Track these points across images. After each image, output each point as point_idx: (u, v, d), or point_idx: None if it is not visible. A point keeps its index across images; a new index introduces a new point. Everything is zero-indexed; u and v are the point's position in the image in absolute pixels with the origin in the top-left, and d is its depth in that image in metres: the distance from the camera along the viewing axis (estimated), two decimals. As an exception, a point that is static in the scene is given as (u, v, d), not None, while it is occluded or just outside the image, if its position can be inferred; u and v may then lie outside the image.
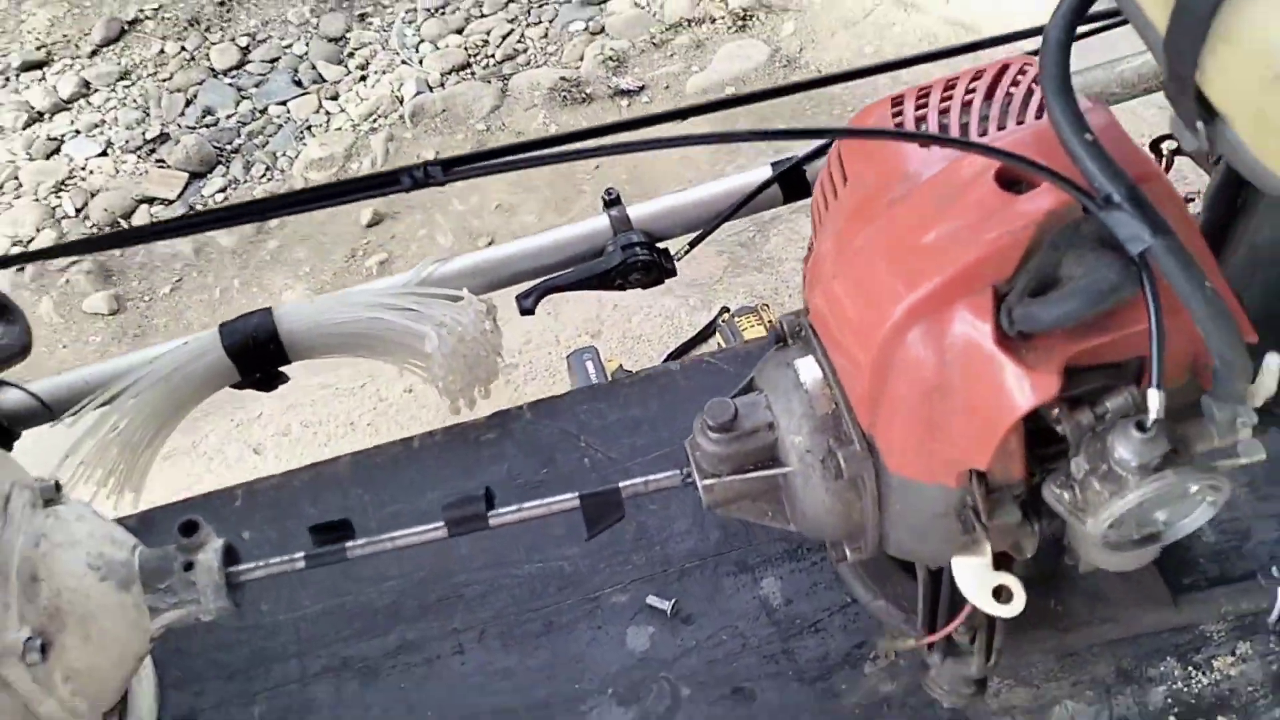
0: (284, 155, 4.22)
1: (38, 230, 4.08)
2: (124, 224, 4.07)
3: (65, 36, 4.65)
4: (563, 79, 4.24)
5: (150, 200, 4.14)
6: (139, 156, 4.26)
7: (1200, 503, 0.90)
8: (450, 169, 0.93)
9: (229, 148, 4.24)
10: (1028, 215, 0.88)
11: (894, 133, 0.99)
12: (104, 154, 4.25)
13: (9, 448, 1.41)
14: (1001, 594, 0.97)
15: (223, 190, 4.15)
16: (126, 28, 4.65)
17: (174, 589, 1.06)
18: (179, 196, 4.20)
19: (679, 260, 1.48)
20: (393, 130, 4.27)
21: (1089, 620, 1.20)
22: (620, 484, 1.10)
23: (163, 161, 4.24)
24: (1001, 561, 0.99)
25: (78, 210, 4.11)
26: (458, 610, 1.30)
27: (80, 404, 1.40)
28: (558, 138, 0.97)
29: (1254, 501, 1.28)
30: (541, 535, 1.34)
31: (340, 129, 4.24)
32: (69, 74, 4.52)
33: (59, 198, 4.16)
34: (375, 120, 4.26)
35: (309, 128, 4.28)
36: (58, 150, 4.25)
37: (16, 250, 3.84)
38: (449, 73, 4.36)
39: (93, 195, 4.16)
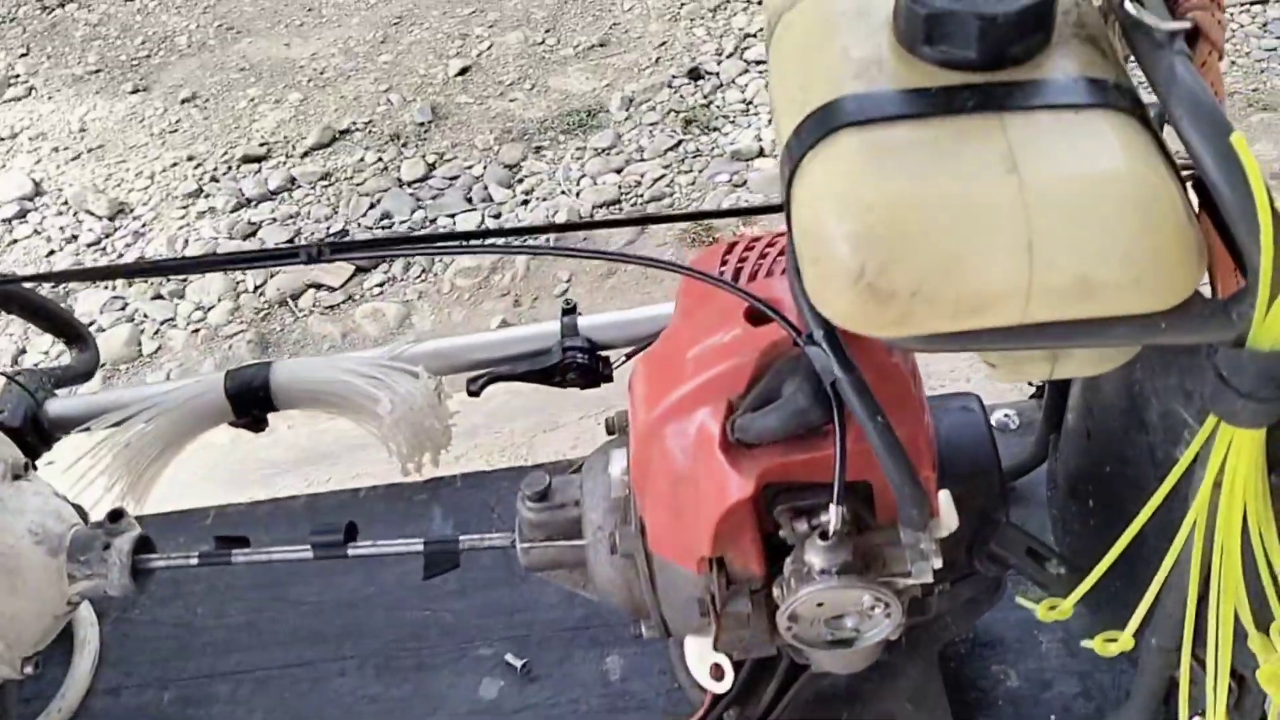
0: (439, 261, 4.61)
1: (219, 299, 4.56)
2: (292, 303, 4.53)
3: (285, 138, 5.24)
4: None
5: (318, 286, 4.59)
6: (319, 249, 4.74)
7: (880, 617, 1.03)
8: (337, 250, 1.17)
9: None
10: (757, 344, 1.05)
11: (681, 268, 1.18)
12: (290, 242, 4.74)
13: (49, 447, 1.69)
14: (716, 672, 1.11)
15: (380, 285, 4.58)
16: (338, 136, 5.20)
17: (90, 563, 1.30)
18: (341, 286, 4.63)
19: (617, 368, 1.68)
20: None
21: (872, 735, 1.31)
22: (460, 537, 1.30)
23: (337, 254, 4.69)
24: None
25: (256, 287, 4.59)
26: (350, 639, 1.50)
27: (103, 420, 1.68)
28: (431, 236, 1.20)
29: (1063, 656, 1.36)
30: (438, 588, 1.53)
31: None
32: (280, 169, 5.08)
33: (245, 275, 4.65)
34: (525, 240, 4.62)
35: (468, 241, 4.68)
36: (254, 233, 4.77)
37: (200, 312, 4.32)
38: (600, 206, 4.72)
39: (271, 276, 4.64)
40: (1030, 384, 1.51)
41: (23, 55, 5.07)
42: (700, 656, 1.12)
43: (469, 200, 4.78)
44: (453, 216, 4.79)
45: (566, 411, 3.33)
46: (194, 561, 1.31)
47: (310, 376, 1.67)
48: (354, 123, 5.31)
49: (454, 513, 1.62)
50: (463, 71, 5.72)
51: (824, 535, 1.01)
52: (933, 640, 1.36)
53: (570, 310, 1.70)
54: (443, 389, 1.65)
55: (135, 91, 4.87)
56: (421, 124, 5.24)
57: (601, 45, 5.79)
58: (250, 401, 1.67)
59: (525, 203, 4.86)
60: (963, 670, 1.37)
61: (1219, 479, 0.91)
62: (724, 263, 1.20)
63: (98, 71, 5.09)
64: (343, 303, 4.57)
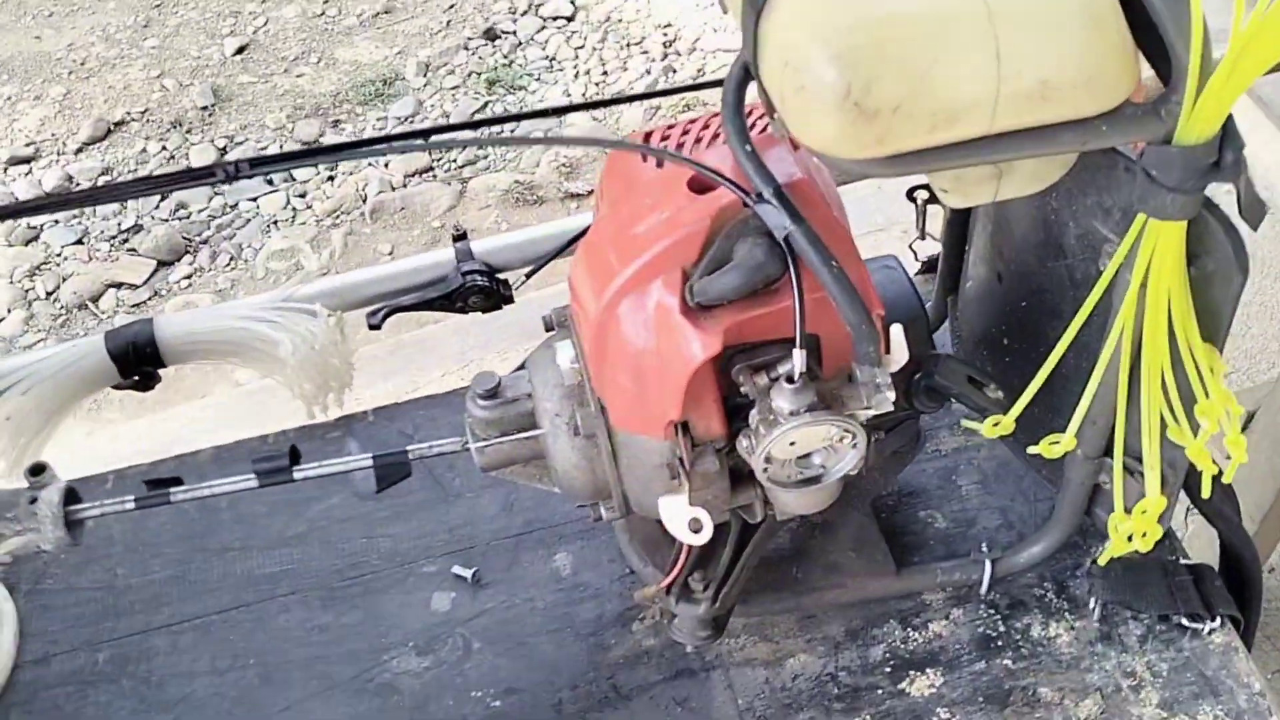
0: (249, 247, 4.47)
1: (9, 310, 4.29)
2: (92, 306, 4.30)
3: (53, 135, 4.94)
4: (517, 182, 4.53)
5: (118, 285, 4.38)
6: (112, 245, 4.50)
7: (848, 448, 1.09)
8: (255, 165, 1.14)
9: (198, 239, 4.48)
10: (706, 210, 1.09)
11: (631, 145, 1.21)
12: (79, 242, 4.49)
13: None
14: (695, 525, 1.16)
15: (188, 277, 4.40)
16: (113, 128, 4.94)
17: (19, 519, 1.24)
18: (145, 282, 4.43)
19: (517, 289, 1.69)
20: (353, 225, 4.52)
21: (823, 586, 1.38)
22: (408, 448, 1.30)
23: (134, 250, 4.47)
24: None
25: (49, 293, 4.34)
26: (286, 577, 1.48)
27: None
28: (350, 144, 1.19)
29: (982, 495, 1.47)
30: (370, 516, 1.53)
31: (304, 224, 4.50)
32: (53, 168, 4.79)
33: (33, 281, 4.38)
34: (338, 216, 4.52)
35: (275, 222, 4.55)
36: (36, 238, 4.50)
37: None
38: (412, 175, 4.65)
39: (64, 279, 4.39)
40: (916, 258, 1.60)
41: None
42: (677, 515, 1.16)
43: (269, 182, 4.63)
44: (255, 199, 4.65)
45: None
46: (130, 506, 1.27)
47: (200, 327, 1.62)
48: (128, 113, 5.07)
49: (371, 446, 1.60)
50: (240, 50, 5.53)
51: (789, 379, 1.07)
52: (864, 494, 1.44)
53: (461, 236, 1.70)
54: (343, 324, 1.63)
55: None
56: (204, 108, 5.04)
57: (387, 12, 5.69)
58: (137, 360, 1.61)
59: (331, 179, 4.75)
60: (894, 519, 1.45)
61: (1145, 280, 1.01)
62: (648, 140, 1.24)
63: None
64: (149, 299, 4.39)
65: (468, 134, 1.18)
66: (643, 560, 1.43)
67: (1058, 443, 1.15)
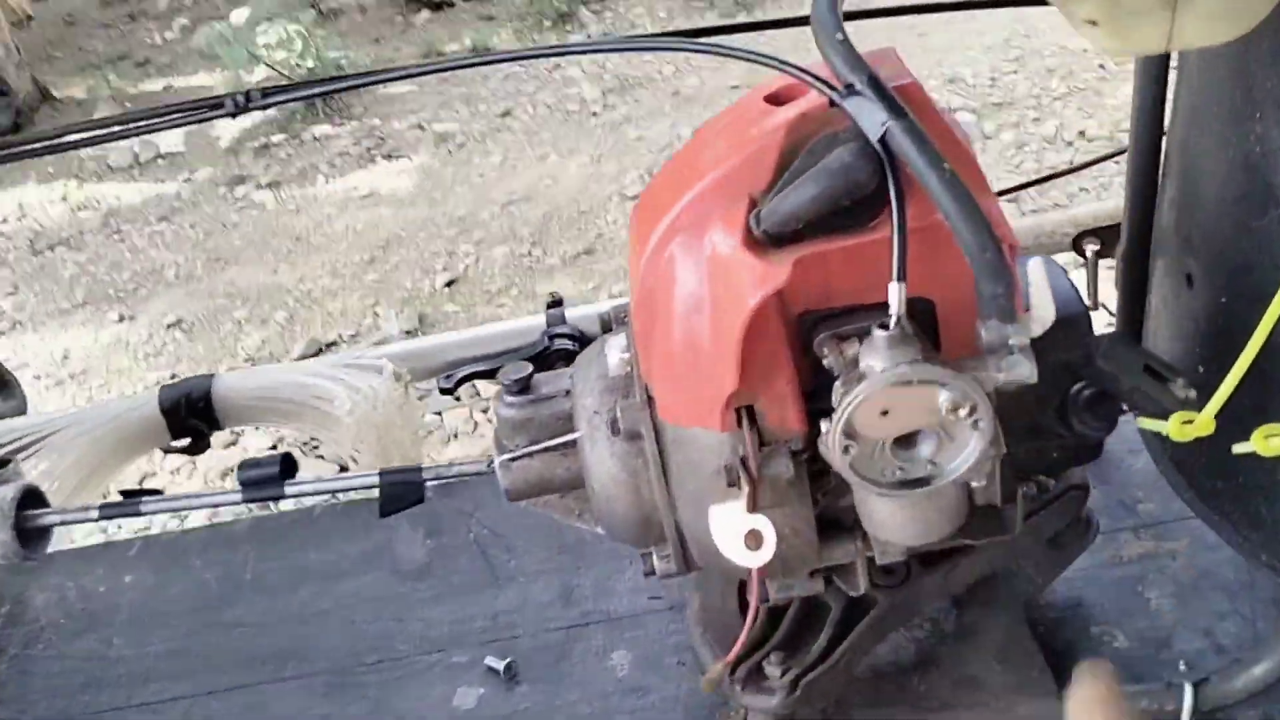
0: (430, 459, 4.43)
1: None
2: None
3: (271, 352, 5.13)
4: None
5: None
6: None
7: (968, 431, 0.79)
8: (267, 95, 0.99)
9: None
10: (781, 121, 0.86)
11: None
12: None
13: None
14: (754, 540, 0.85)
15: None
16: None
17: (-32, 515, 1.05)
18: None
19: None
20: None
21: (955, 704, 1.02)
22: (422, 465, 1.05)
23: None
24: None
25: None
26: (294, 659, 1.22)
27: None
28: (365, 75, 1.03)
29: (1177, 611, 1.10)
30: (408, 596, 1.27)
31: (484, 436, 4.45)
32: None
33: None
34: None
35: (455, 434, 4.53)
36: (235, 442, 4.61)
37: None
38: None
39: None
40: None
41: (10, 294, 5.04)
42: (731, 527, 0.86)
43: (456, 398, 4.62)
44: (439, 413, 4.65)
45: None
46: (94, 515, 1.06)
47: (258, 382, 1.46)
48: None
49: (424, 523, 1.36)
50: (450, 284, 5.72)
51: (883, 326, 0.79)
52: (1015, 594, 1.09)
53: (556, 303, 1.51)
54: (412, 385, 1.43)
55: (121, 320, 4.83)
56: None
57: (588, 253, 5.81)
58: (189, 417, 1.45)
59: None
60: (1056, 635, 1.09)
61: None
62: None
63: (84, 304, 5.07)
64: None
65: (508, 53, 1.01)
66: (715, 656, 1.10)
67: (1191, 421, 0.81)
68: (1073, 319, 0.94)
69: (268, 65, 5.67)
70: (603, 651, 1.17)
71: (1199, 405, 0.85)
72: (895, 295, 0.79)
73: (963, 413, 0.78)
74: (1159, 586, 1.12)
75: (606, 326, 1.10)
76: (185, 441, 1.48)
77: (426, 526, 1.36)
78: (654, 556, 1.00)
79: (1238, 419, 0.83)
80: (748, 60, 0.90)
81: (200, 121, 1.01)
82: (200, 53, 6.54)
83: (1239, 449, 0.80)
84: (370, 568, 1.32)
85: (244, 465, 1.07)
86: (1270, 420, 0.82)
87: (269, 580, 1.33)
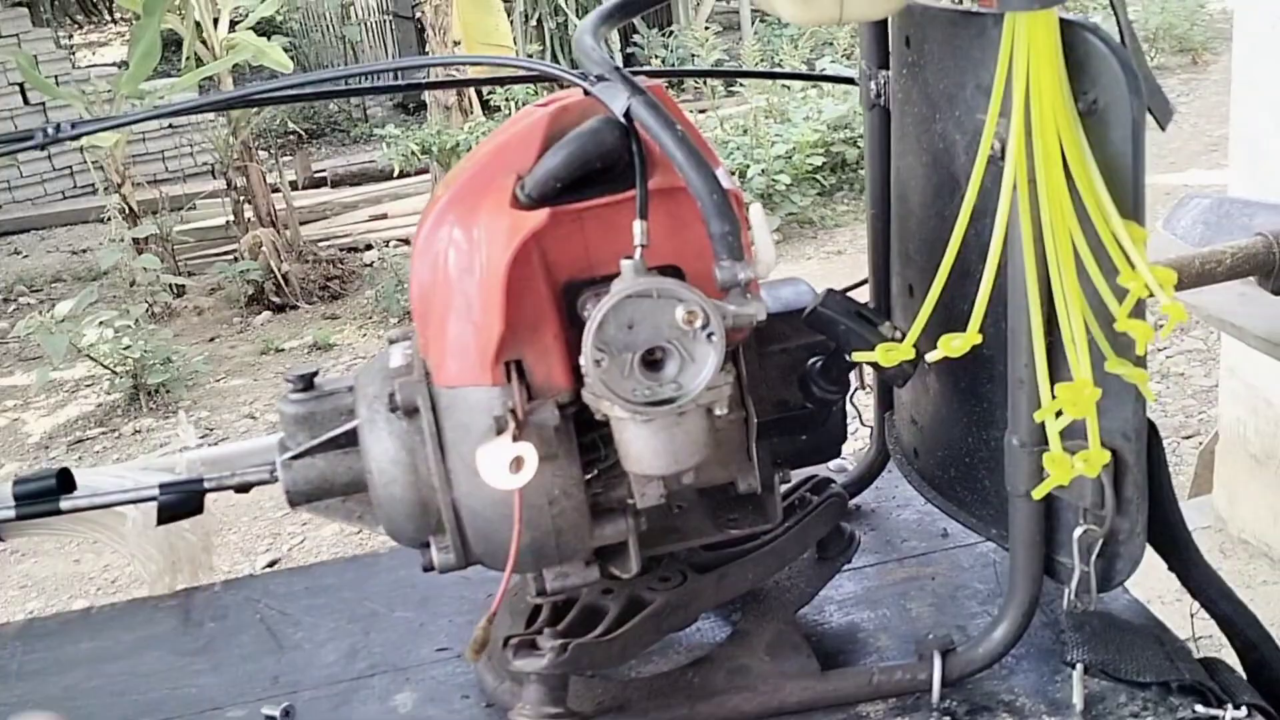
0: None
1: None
2: None
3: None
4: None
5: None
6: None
7: (705, 346, 0.89)
8: (76, 127, 1.07)
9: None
10: (545, 112, 0.99)
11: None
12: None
13: None
14: (517, 465, 0.91)
15: None
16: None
17: None
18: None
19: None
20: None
21: (726, 689, 1.06)
22: (204, 477, 1.07)
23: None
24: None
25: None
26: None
27: None
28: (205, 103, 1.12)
29: (936, 615, 1.17)
30: (185, 667, 1.24)
31: None
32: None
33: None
34: None
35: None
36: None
37: None
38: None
39: None
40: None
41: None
42: (497, 458, 0.91)
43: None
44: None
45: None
46: None
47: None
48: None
49: (209, 611, 1.34)
50: (271, 564, 5.58)
51: (627, 257, 0.90)
52: (784, 604, 1.16)
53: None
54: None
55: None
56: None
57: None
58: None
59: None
60: (825, 642, 1.15)
61: (1028, 121, 0.88)
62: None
63: None
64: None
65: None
66: (498, 677, 1.11)
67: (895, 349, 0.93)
68: (803, 307, 1.07)
69: (90, 358, 5.62)
70: (386, 694, 1.16)
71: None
72: (638, 230, 0.90)
73: (698, 323, 0.88)
74: (919, 600, 1.20)
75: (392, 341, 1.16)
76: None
77: (210, 612, 1.34)
78: (433, 549, 1.03)
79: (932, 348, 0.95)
80: (502, 66, 1.04)
81: (5, 154, 1.08)
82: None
83: (931, 357, 0.92)
84: (144, 649, 1.28)
85: (19, 480, 1.07)
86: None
87: (37, 666, 1.27)
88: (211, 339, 6.65)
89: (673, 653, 1.15)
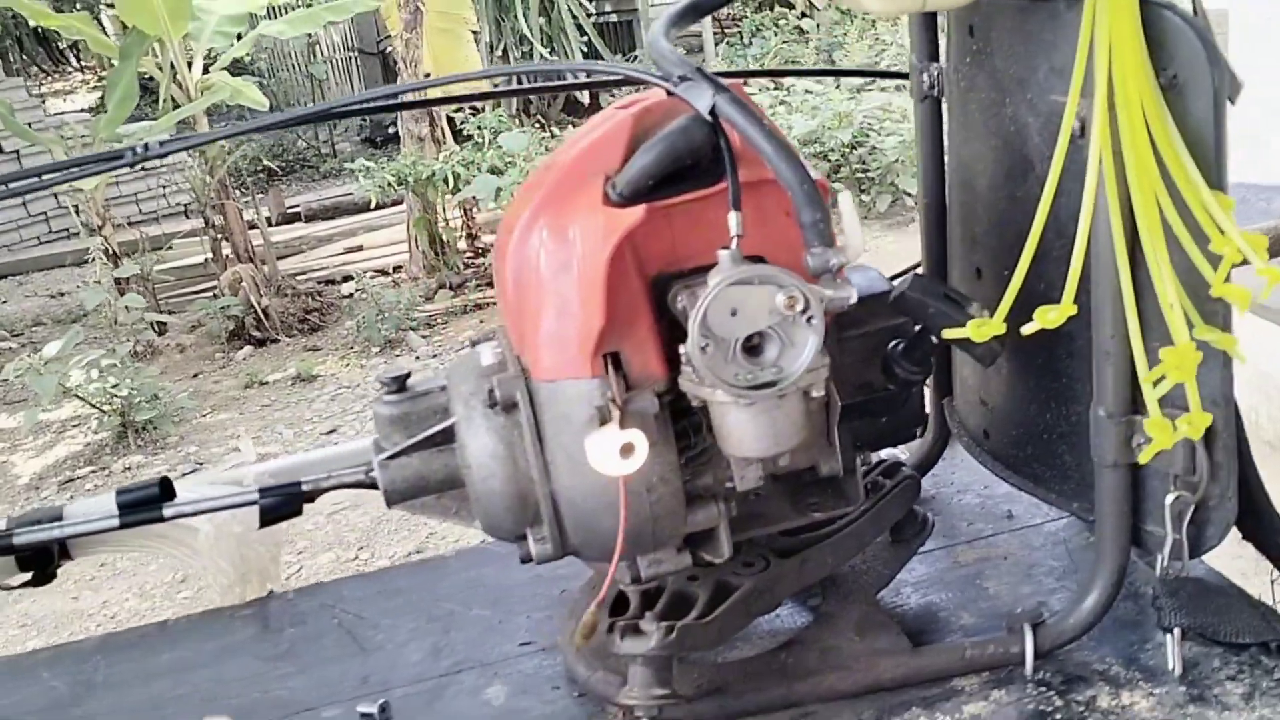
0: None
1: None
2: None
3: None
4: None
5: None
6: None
7: (804, 330, 0.90)
8: (164, 145, 1.09)
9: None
10: (628, 114, 1.02)
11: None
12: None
13: None
14: (628, 450, 0.93)
15: None
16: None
17: None
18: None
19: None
20: None
21: (820, 669, 1.07)
22: (302, 479, 1.09)
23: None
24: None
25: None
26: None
27: None
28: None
29: (1014, 592, 1.19)
30: (270, 670, 1.25)
31: None
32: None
33: None
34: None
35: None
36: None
37: None
38: None
39: None
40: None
41: None
42: (606, 446, 0.92)
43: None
44: None
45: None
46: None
47: (108, 509, 1.45)
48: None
49: (286, 619, 1.35)
50: (269, 595, 5.58)
51: (724, 247, 0.92)
52: (864, 587, 1.18)
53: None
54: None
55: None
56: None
57: (419, 552, 5.79)
58: (40, 549, 1.42)
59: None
60: (908, 623, 1.16)
61: (1111, 98, 0.91)
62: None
63: None
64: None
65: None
66: (590, 667, 1.13)
67: (985, 325, 0.95)
68: (882, 294, 1.09)
69: (79, 397, 5.59)
70: (477, 689, 1.17)
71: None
72: (734, 220, 0.92)
73: (798, 308, 0.90)
74: (995, 579, 1.22)
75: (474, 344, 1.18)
76: (27, 576, 1.44)
77: (288, 619, 1.35)
78: (530, 540, 1.05)
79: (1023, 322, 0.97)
80: (588, 72, 1.06)
81: (98, 174, 1.10)
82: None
83: (1026, 329, 0.94)
84: (227, 657, 1.29)
85: (122, 490, 1.08)
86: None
87: (121, 677, 1.28)
88: (195, 375, 6.63)
89: (757, 639, 1.16)
